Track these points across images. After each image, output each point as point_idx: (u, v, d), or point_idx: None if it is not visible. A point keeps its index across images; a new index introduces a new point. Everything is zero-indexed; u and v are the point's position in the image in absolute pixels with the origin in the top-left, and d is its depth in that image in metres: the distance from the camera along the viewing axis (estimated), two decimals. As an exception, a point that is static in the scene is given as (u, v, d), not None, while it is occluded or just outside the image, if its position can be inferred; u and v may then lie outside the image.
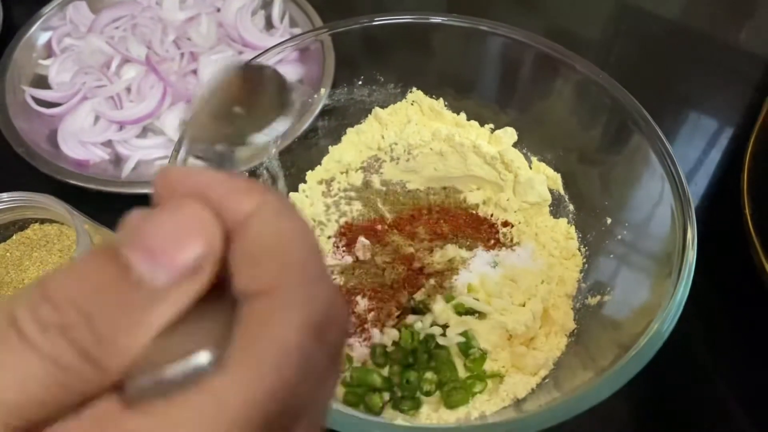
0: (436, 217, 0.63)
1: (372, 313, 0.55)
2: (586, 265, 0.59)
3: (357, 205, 0.64)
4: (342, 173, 0.66)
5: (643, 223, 0.55)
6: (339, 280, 0.58)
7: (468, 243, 0.61)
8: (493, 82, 0.66)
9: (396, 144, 0.65)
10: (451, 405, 0.50)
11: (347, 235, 0.62)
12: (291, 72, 0.71)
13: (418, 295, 0.56)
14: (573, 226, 0.62)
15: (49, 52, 0.79)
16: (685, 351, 0.61)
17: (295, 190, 0.64)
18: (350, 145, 0.66)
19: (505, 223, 0.63)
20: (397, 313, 0.56)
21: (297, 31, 0.82)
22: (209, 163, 0.24)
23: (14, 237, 0.54)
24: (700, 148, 0.79)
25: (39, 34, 0.79)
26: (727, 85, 0.86)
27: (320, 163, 0.66)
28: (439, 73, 0.66)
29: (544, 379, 0.52)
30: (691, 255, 0.47)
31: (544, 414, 0.42)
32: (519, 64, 0.62)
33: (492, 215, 0.64)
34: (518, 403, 0.51)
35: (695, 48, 0.91)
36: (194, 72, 0.76)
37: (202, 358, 0.19)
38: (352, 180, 0.65)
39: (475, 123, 0.65)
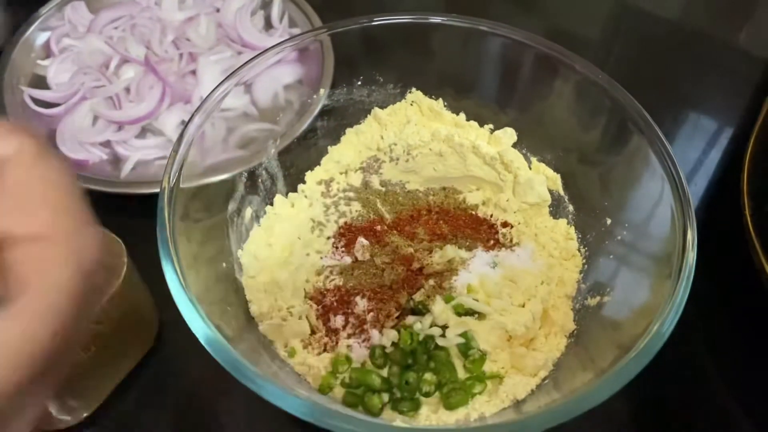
0: (436, 217, 0.63)
1: (371, 313, 0.55)
2: (586, 266, 0.59)
3: (356, 206, 0.64)
4: (341, 174, 0.65)
5: (643, 224, 0.55)
6: (338, 280, 0.58)
7: (467, 243, 0.61)
8: (493, 83, 0.66)
9: (395, 144, 0.64)
10: (450, 406, 0.50)
11: (346, 235, 0.61)
12: (290, 72, 0.71)
13: (418, 296, 0.56)
14: (573, 227, 0.62)
15: (47, 52, 0.79)
16: (685, 351, 0.61)
17: (294, 190, 0.64)
18: (349, 146, 0.66)
19: (505, 224, 0.63)
20: (396, 314, 0.55)
21: (296, 31, 0.82)
22: None
23: (12, 238, 0.54)
24: (699, 148, 0.79)
25: (37, 34, 0.79)
26: (727, 85, 0.87)
27: (319, 164, 0.65)
28: (438, 74, 0.66)
29: (543, 380, 0.52)
30: (691, 256, 0.46)
31: (543, 415, 0.41)
32: (519, 64, 0.62)
33: (491, 216, 0.64)
34: (518, 404, 0.51)
35: (695, 48, 0.91)
36: (193, 72, 0.76)
37: None
38: (352, 180, 0.65)
39: (474, 123, 0.65)
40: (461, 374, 0.53)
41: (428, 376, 0.51)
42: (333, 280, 0.58)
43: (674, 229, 0.49)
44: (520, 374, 0.53)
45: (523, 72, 0.63)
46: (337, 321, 0.55)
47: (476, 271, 0.58)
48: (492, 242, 0.61)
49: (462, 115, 0.65)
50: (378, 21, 0.61)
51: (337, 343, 0.54)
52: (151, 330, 0.58)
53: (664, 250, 0.49)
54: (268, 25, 0.84)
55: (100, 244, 0.23)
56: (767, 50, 0.90)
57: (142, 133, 0.73)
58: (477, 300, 0.56)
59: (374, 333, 0.54)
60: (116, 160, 0.71)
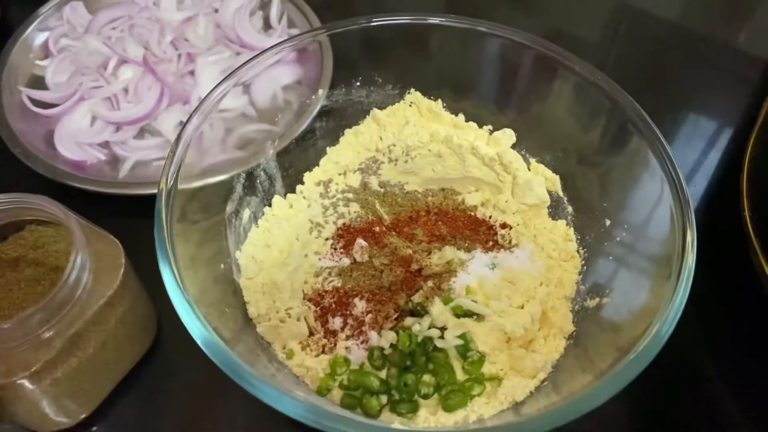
0: (435, 218, 0.63)
1: (370, 315, 0.55)
2: (585, 267, 0.59)
3: (355, 207, 0.64)
4: (340, 175, 0.65)
5: (643, 225, 0.55)
6: (336, 282, 0.58)
7: (466, 245, 0.61)
8: (492, 84, 0.66)
9: (394, 145, 0.64)
10: (449, 408, 0.50)
11: (345, 236, 0.61)
12: (289, 73, 0.71)
13: (416, 297, 0.56)
14: (572, 228, 0.62)
15: (45, 52, 0.79)
16: (684, 352, 0.61)
17: (293, 191, 0.64)
18: (348, 147, 0.65)
19: (504, 225, 0.63)
20: (395, 316, 0.55)
21: (295, 31, 0.82)
22: None
23: (10, 238, 0.54)
24: (699, 149, 0.79)
25: (36, 34, 0.79)
26: (726, 86, 0.86)
27: (318, 165, 0.65)
28: (437, 75, 0.66)
29: (542, 382, 0.52)
30: (691, 258, 0.46)
31: (543, 417, 0.41)
32: (518, 65, 0.62)
33: (490, 217, 0.64)
34: (517, 406, 0.50)
35: (694, 49, 0.91)
36: (191, 73, 0.75)
37: None
38: (350, 181, 0.65)
39: (473, 124, 0.65)
40: (460, 376, 0.52)
41: (427, 377, 0.51)
42: (331, 281, 0.58)
43: (674, 231, 0.49)
44: (519, 376, 0.52)
45: (522, 73, 0.63)
46: (336, 322, 0.55)
47: (475, 272, 0.58)
48: (491, 243, 0.61)
49: (461, 116, 0.65)
50: (377, 22, 0.61)
51: (335, 344, 0.54)
52: (150, 331, 0.58)
53: (663, 252, 0.49)
54: (267, 25, 0.84)
55: None
56: (767, 51, 0.90)
57: (141, 133, 0.73)
58: (476, 301, 0.56)
59: (373, 334, 0.54)
60: (114, 161, 0.70)
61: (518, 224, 0.63)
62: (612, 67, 0.88)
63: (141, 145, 0.71)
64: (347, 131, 0.66)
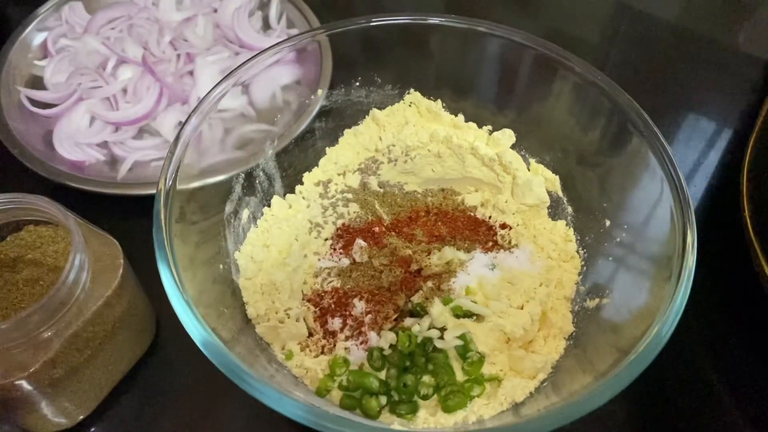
0: (434, 219, 0.63)
1: (369, 315, 0.55)
2: (585, 268, 0.59)
3: (354, 207, 0.64)
4: (339, 175, 0.65)
5: (643, 226, 0.55)
6: (336, 282, 0.58)
7: (466, 245, 0.61)
8: (492, 84, 0.66)
9: (393, 146, 0.64)
10: (448, 409, 0.50)
11: (344, 237, 0.61)
12: (288, 73, 0.71)
13: (416, 298, 0.56)
14: (571, 229, 0.62)
15: (44, 52, 0.79)
16: (685, 353, 0.61)
17: (292, 191, 0.64)
18: (347, 147, 0.65)
19: (504, 225, 0.63)
20: (394, 316, 0.55)
21: (294, 31, 0.82)
22: None
23: (8, 239, 0.54)
24: (699, 149, 0.79)
25: (34, 34, 0.79)
26: (726, 86, 0.86)
27: (317, 165, 0.65)
28: (437, 75, 0.66)
29: (542, 382, 0.52)
30: (691, 259, 0.46)
31: (542, 418, 0.41)
32: (517, 65, 0.62)
33: (490, 217, 0.64)
34: (516, 407, 0.50)
35: (694, 50, 0.91)
36: (190, 73, 0.75)
37: None
38: (350, 182, 0.65)
39: (473, 124, 0.65)
40: (459, 377, 0.52)
41: (426, 378, 0.51)
42: (331, 281, 0.58)
43: (674, 231, 0.49)
44: (519, 377, 0.52)
45: (521, 73, 0.63)
46: (335, 323, 0.55)
47: (475, 272, 0.58)
48: (490, 244, 0.61)
49: (460, 117, 0.65)
50: (376, 22, 0.61)
51: (334, 345, 0.54)
52: (149, 332, 0.58)
53: (663, 252, 0.49)
54: (266, 25, 0.84)
55: None
56: (766, 51, 0.90)
57: (140, 134, 0.73)
58: (475, 302, 0.56)
59: (372, 335, 0.54)
60: (113, 161, 0.70)
61: (518, 224, 0.63)
62: (612, 68, 0.88)
63: (140, 146, 0.71)
64: (346, 131, 0.65)
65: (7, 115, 0.70)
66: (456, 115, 0.65)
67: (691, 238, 0.47)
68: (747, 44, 0.92)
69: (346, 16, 0.61)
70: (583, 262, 0.59)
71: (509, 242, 0.62)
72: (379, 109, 0.65)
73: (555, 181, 0.63)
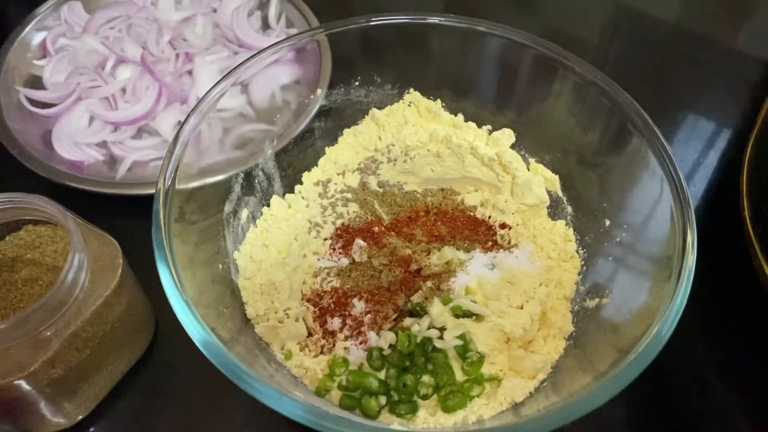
0: (434, 218, 0.63)
1: (368, 315, 0.55)
2: (585, 268, 0.59)
3: (354, 207, 0.64)
4: (339, 175, 0.65)
5: (642, 226, 0.55)
6: (335, 282, 0.58)
7: (465, 245, 0.60)
8: (491, 84, 0.66)
9: (393, 145, 0.64)
10: (448, 409, 0.50)
11: (344, 237, 0.61)
12: (287, 73, 0.71)
13: (415, 298, 0.56)
14: (571, 228, 0.62)
15: (43, 52, 0.79)
16: (684, 353, 0.61)
17: (291, 191, 0.64)
18: (347, 147, 0.65)
19: (503, 225, 0.63)
20: (393, 316, 0.55)
21: (293, 31, 0.82)
22: None
23: (7, 238, 0.54)
24: (698, 149, 0.79)
25: (33, 34, 0.79)
26: (726, 86, 0.86)
27: (317, 165, 0.65)
28: (436, 74, 0.66)
29: (542, 382, 0.52)
30: (691, 259, 0.46)
31: (542, 418, 0.41)
32: (517, 65, 0.62)
33: (490, 217, 0.64)
34: (516, 407, 0.50)
35: (694, 50, 0.91)
36: (190, 73, 0.75)
37: None
38: (349, 181, 0.65)
39: (472, 124, 0.65)
40: (459, 377, 0.52)
41: (426, 378, 0.51)
42: (330, 281, 0.58)
43: (674, 231, 0.49)
44: (519, 377, 0.52)
45: (521, 73, 0.63)
46: (334, 323, 0.55)
47: (474, 272, 0.58)
48: (490, 244, 0.61)
49: (460, 116, 0.65)
50: (376, 21, 0.61)
51: (334, 345, 0.54)
52: (148, 331, 0.58)
53: (663, 252, 0.49)
54: (265, 25, 0.83)
55: None
56: (766, 51, 0.90)
57: (139, 133, 0.73)
58: (475, 302, 0.55)
59: (372, 335, 0.54)
60: (112, 161, 0.70)
61: (517, 224, 0.63)
62: (612, 67, 0.88)
63: (139, 145, 0.71)
64: (346, 131, 0.65)
65: (6, 114, 0.70)
66: (455, 115, 0.65)
67: (691, 238, 0.47)
68: (747, 44, 0.92)
69: (346, 15, 0.61)
70: (582, 262, 0.59)
71: (509, 242, 0.62)
72: (379, 108, 0.65)
73: (555, 181, 0.63)
